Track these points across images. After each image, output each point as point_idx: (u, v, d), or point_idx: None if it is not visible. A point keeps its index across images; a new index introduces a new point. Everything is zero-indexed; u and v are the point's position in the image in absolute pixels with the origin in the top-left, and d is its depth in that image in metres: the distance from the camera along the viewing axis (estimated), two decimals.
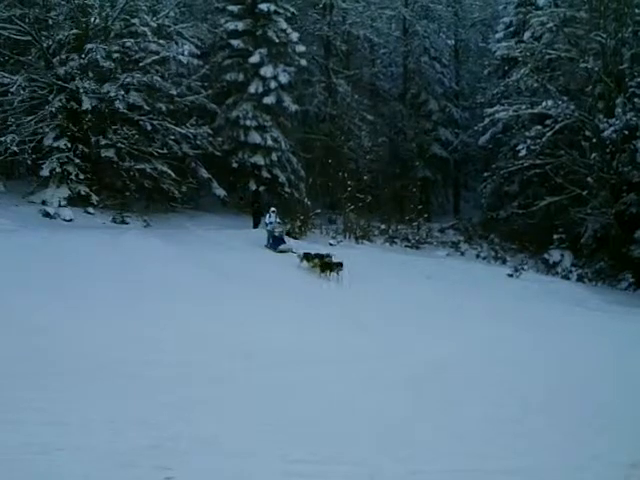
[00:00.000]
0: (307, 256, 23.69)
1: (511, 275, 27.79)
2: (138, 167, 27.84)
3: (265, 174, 30.78)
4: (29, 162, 26.77)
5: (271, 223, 26.14)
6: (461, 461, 7.51)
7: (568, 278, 29.12)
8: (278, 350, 12.39)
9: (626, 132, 28.88)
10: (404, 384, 10.81)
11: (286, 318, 15.81)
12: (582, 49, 31.61)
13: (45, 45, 27.33)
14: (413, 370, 11.85)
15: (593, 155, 30.07)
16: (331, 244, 27.98)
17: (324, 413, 8.90)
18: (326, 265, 22.94)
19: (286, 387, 9.96)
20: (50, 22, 27.93)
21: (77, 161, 27.16)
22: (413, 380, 11.11)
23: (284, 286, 20.52)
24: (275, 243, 25.80)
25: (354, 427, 8.40)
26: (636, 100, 29.16)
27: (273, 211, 26.47)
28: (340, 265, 22.72)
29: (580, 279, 29.13)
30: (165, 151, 28.44)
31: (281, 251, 25.44)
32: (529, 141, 30.93)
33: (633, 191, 29.66)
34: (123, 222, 26.83)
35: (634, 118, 28.65)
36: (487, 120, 33.07)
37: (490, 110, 32.93)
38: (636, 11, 30.26)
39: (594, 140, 29.97)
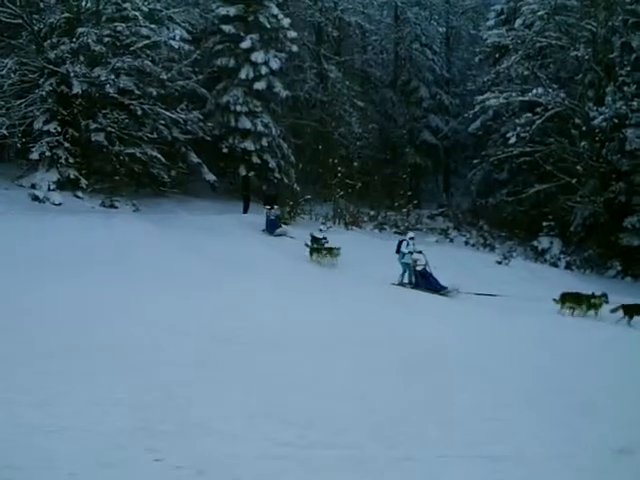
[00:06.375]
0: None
1: (500, 262, 27.92)
2: (128, 151, 27.78)
3: (255, 159, 30.76)
4: (19, 145, 26.62)
5: (411, 253, 20.76)
6: (452, 447, 7.59)
7: (556, 265, 29.33)
8: (271, 334, 12.41)
9: (616, 121, 29.05)
10: (397, 369, 10.84)
11: (277, 302, 15.85)
12: (573, 37, 31.74)
13: (36, 28, 27.20)
14: (403, 356, 11.89)
15: (583, 143, 30.21)
16: (321, 230, 27.98)
17: (317, 398, 8.96)
18: None
19: (276, 370, 10.00)
20: (41, 5, 27.75)
21: (67, 145, 27.11)
22: (405, 365, 11.15)
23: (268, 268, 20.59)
24: (424, 281, 20.36)
25: (348, 412, 8.47)
26: (626, 89, 29.24)
27: (412, 238, 21.28)
28: None
29: (568, 266, 29.35)
30: (155, 136, 28.38)
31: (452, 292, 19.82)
32: (519, 128, 31.06)
33: (622, 179, 29.87)
34: (112, 206, 26.79)
35: (624, 107, 28.75)
36: (477, 107, 33.16)
37: (481, 97, 33.08)
38: (626, 0, 30.32)
39: (584, 128, 30.13)
